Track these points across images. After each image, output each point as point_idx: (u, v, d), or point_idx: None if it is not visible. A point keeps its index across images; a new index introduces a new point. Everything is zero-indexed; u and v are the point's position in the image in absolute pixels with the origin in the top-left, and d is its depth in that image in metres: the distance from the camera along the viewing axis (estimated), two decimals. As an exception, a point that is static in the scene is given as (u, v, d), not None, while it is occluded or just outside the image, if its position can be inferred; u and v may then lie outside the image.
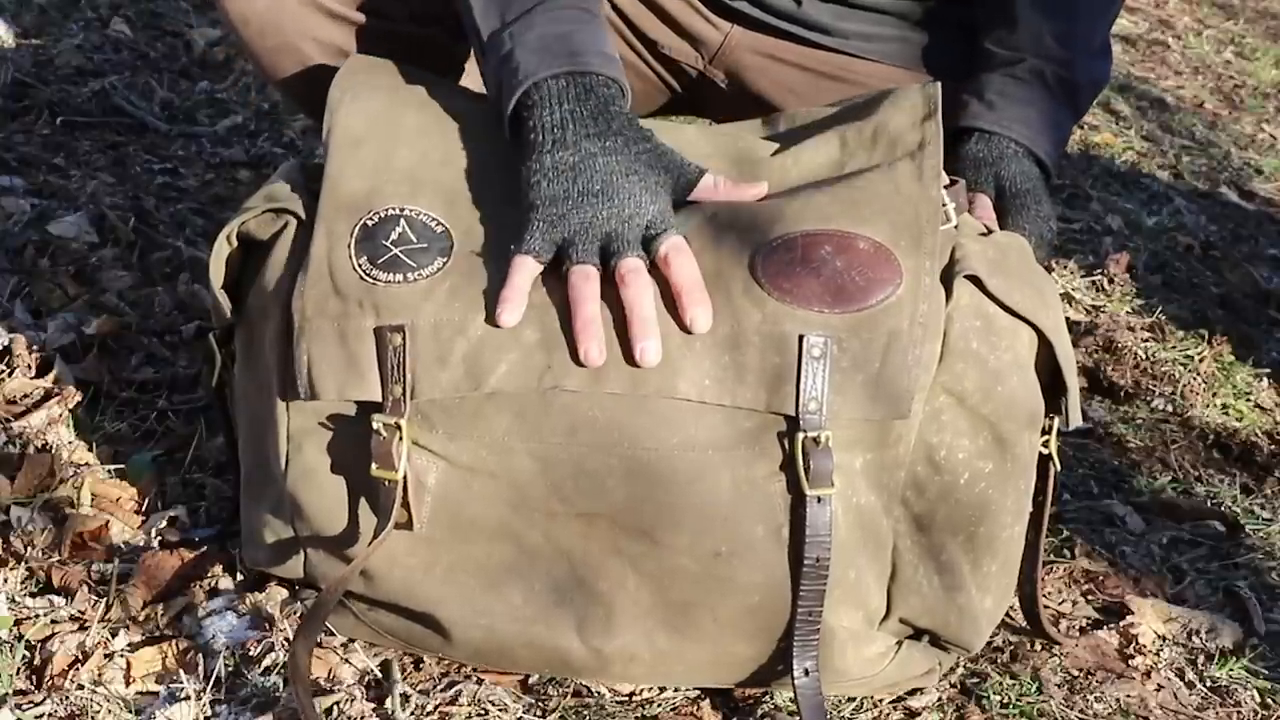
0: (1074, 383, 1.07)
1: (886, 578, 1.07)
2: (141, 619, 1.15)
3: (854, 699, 1.13)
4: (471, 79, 1.28)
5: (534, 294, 1.01)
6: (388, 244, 1.03)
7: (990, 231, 1.10)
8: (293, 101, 1.41)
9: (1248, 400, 1.79)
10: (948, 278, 1.03)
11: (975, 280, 1.03)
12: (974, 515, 1.05)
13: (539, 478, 1.01)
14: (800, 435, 0.98)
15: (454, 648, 1.10)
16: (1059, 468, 1.12)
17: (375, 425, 1.01)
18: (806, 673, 1.03)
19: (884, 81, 1.25)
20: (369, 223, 1.05)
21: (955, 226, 1.07)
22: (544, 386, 1.00)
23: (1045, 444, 1.09)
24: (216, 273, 1.09)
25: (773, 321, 0.99)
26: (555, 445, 1.00)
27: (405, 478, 1.01)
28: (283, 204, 1.08)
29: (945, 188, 1.07)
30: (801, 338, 0.99)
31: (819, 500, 0.99)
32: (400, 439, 1.01)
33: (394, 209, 1.05)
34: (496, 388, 1.00)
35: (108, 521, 1.24)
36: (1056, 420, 1.08)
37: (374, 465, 1.01)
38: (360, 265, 1.03)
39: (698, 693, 1.13)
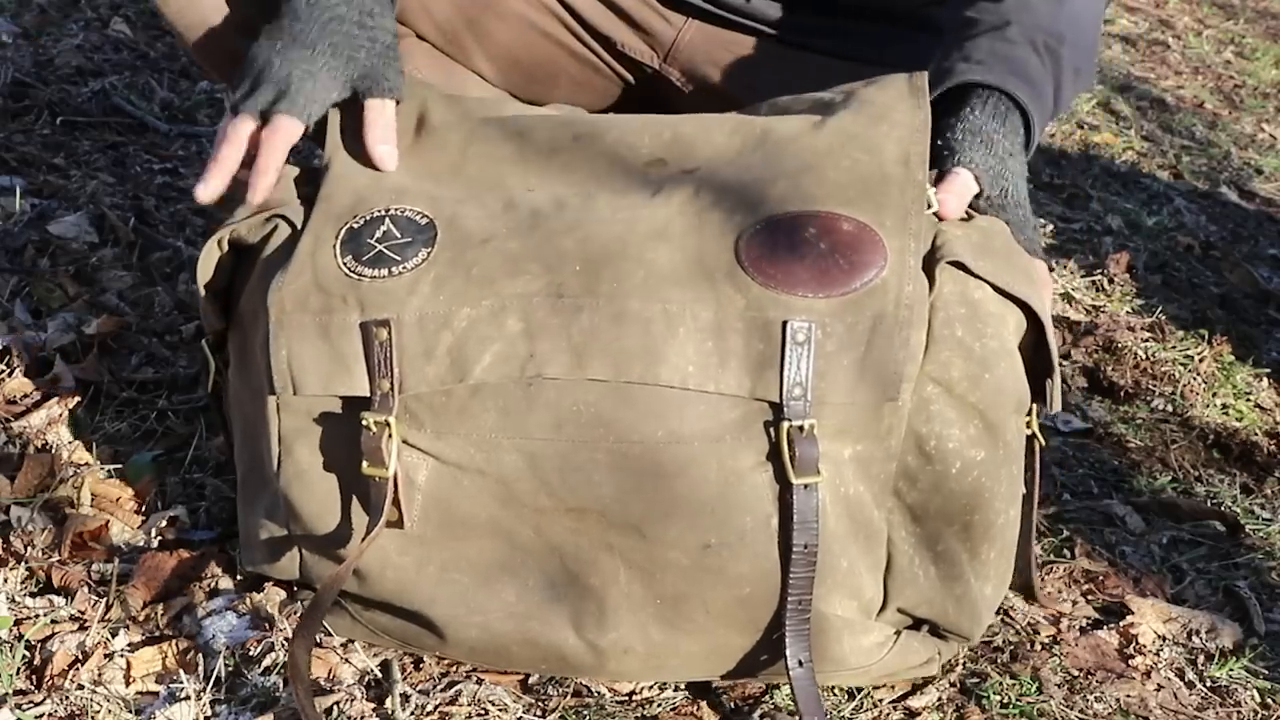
0: (1056, 366, 1.08)
1: (881, 569, 1.07)
2: (141, 619, 1.15)
3: (853, 698, 1.13)
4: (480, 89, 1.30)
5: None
6: (372, 241, 1.05)
7: (971, 217, 1.10)
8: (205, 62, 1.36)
9: (1248, 400, 1.79)
10: (930, 265, 1.03)
11: (961, 266, 1.03)
12: (968, 504, 1.05)
13: (527, 473, 1.01)
14: (785, 424, 0.99)
15: (450, 646, 1.10)
16: (1044, 443, 1.12)
17: (365, 422, 1.01)
18: (800, 664, 1.03)
19: (839, 75, 1.24)
20: (355, 225, 1.06)
21: (935, 213, 1.07)
22: (526, 375, 1.00)
23: (1028, 424, 1.09)
24: (204, 276, 1.09)
25: (757, 308, 1.00)
26: (541, 441, 1.00)
27: (395, 475, 1.01)
28: (271, 208, 1.09)
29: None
30: (785, 324, 0.99)
31: (805, 488, 0.99)
32: (390, 436, 1.01)
33: (380, 210, 1.07)
34: (481, 379, 1.00)
35: (108, 521, 1.24)
36: (1037, 402, 1.08)
37: (364, 463, 1.02)
38: (345, 263, 1.04)
39: (697, 692, 1.13)
